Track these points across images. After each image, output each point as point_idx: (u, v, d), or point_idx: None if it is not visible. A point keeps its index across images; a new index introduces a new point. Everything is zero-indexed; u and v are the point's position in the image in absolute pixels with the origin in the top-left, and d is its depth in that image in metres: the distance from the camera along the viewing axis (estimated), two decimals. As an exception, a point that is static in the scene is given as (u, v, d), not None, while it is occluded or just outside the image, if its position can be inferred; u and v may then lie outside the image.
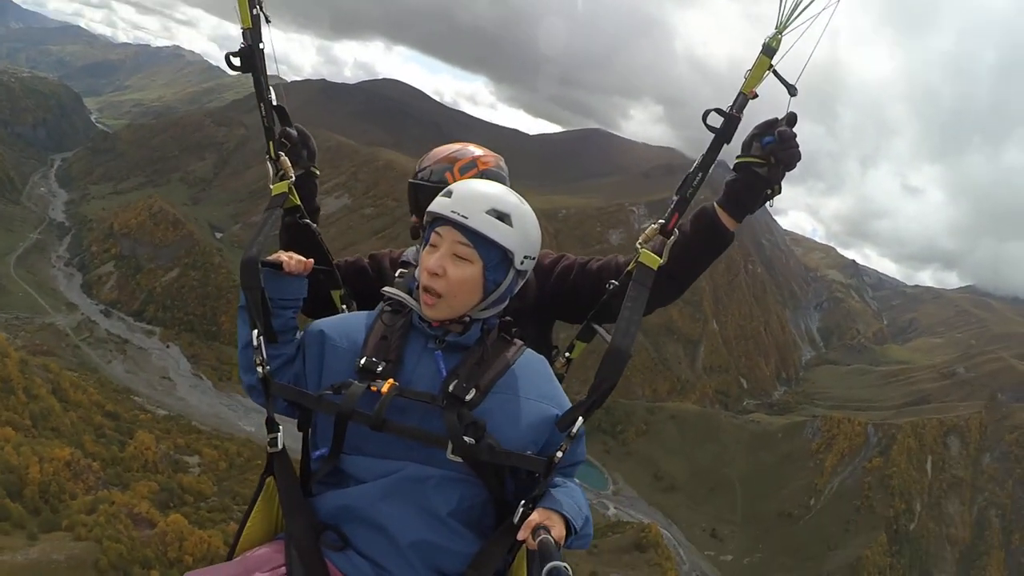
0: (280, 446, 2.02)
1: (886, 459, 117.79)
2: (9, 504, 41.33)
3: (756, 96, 2.07)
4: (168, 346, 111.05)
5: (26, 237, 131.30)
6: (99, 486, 49.80)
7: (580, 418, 1.89)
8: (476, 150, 2.57)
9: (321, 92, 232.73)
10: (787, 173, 2.07)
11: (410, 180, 2.58)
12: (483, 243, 1.88)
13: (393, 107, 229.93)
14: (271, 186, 2.32)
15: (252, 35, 2.26)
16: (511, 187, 2.11)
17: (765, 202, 2.10)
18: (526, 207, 2.00)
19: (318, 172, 2.58)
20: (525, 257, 1.97)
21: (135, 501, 48.38)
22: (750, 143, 2.07)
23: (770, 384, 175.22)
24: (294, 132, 2.40)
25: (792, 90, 2.02)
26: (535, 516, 1.75)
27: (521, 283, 2.05)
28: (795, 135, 2.00)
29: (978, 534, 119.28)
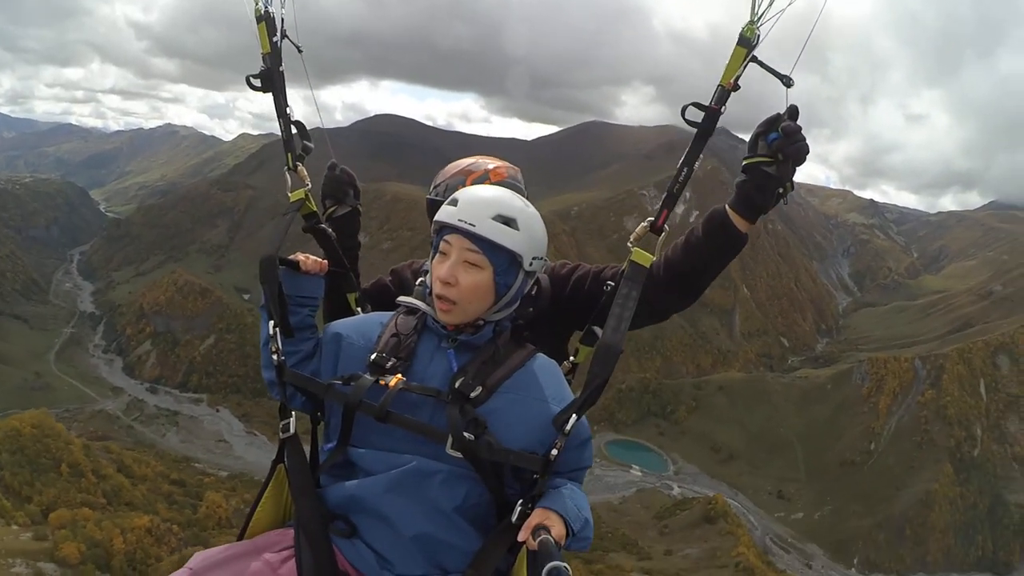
0: (292, 431, 2.10)
1: (938, 390, 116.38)
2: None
3: (738, 88, 2.04)
4: (218, 410, 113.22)
5: (60, 333, 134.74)
6: (181, 546, 51.90)
7: (575, 415, 1.89)
8: (489, 162, 2.65)
9: (317, 140, 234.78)
10: (797, 167, 2.01)
11: (427, 196, 2.68)
12: (491, 248, 1.92)
13: (390, 140, 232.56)
14: (289, 194, 2.49)
15: (271, 59, 2.46)
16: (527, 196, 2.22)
17: (778, 201, 2.05)
18: (531, 209, 2.04)
19: (362, 209, 2.78)
20: (534, 259, 2.01)
21: (219, 554, 51.69)
22: (755, 142, 2.02)
23: (811, 338, 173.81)
24: (311, 145, 2.60)
25: (786, 80, 1.97)
26: (535, 516, 1.77)
27: (531, 283, 2.12)
28: (799, 128, 1.95)
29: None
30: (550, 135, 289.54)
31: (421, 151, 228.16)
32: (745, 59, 1.99)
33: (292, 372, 2.08)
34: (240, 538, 2.02)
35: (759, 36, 1.99)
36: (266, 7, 2.41)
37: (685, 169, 2.11)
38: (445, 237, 1.97)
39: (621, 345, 1.96)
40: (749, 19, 1.99)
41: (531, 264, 2.01)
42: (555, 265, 2.54)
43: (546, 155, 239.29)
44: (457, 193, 2.01)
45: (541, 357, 2.10)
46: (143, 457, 78.27)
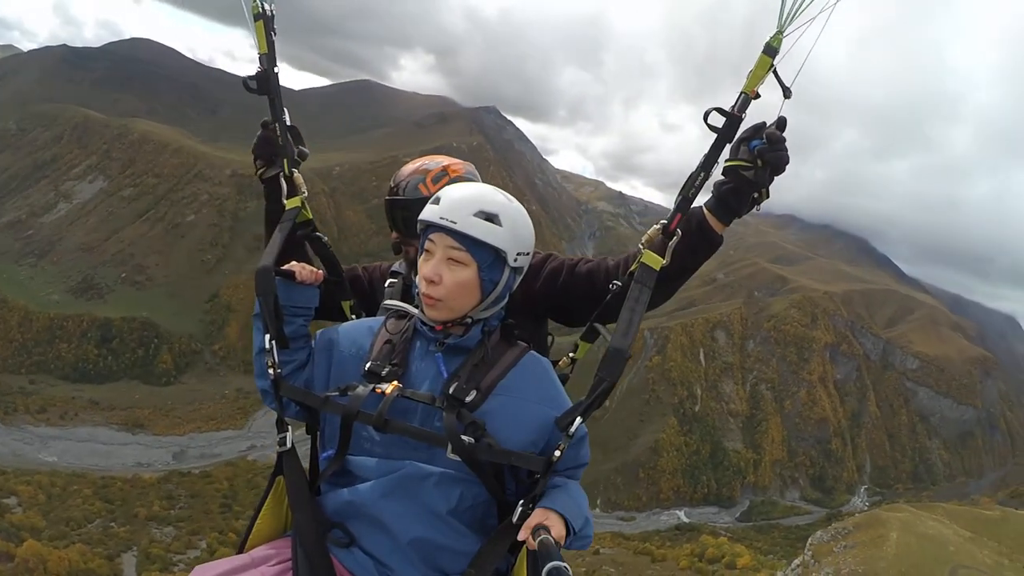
0: (289, 445, 2.09)
1: (663, 356, 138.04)
2: None
3: (759, 96, 2.04)
4: None
5: None
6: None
7: (579, 418, 1.90)
8: (444, 160, 2.63)
9: (63, 60, 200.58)
10: (776, 176, 2.01)
11: (386, 198, 2.62)
12: (475, 245, 1.92)
13: (144, 70, 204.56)
14: (284, 201, 2.46)
15: (268, 60, 2.38)
16: None
17: (753, 206, 2.04)
18: (515, 205, 2.03)
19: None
20: (518, 254, 2.01)
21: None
22: (738, 147, 2.01)
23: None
24: (307, 150, 2.57)
25: (787, 92, 1.97)
26: (535, 516, 1.79)
27: (518, 279, 2.11)
28: (784, 139, 1.94)
29: (755, 405, 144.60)
30: (320, 87, 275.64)
31: (177, 86, 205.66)
32: (770, 68, 1.99)
33: (289, 387, 2.09)
34: (241, 549, 2.05)
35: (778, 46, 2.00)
36: (262, 4, 2.37)
37: (702, 173, 2.09)
38: (430, 236, 1.98)
39: (630, 350, 1.97)
40: (776, 29, 1.99)
41: (516, 260, 2.01)
42: (540, 258, 2.54)
43: (313, 109, 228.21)
44: (440, 191, 2.02)
45: (532, 355, 2.10)
46: None
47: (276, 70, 2.41)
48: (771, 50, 1.98)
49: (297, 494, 2.01)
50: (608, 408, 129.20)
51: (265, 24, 2.36)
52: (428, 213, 1.97)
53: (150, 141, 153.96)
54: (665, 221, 2.17)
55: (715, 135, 2.07)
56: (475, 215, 1.92)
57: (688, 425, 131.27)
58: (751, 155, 1.98)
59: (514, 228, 1.98)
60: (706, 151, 2.10)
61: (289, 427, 2.14)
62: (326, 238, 2.59)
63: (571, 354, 2.57)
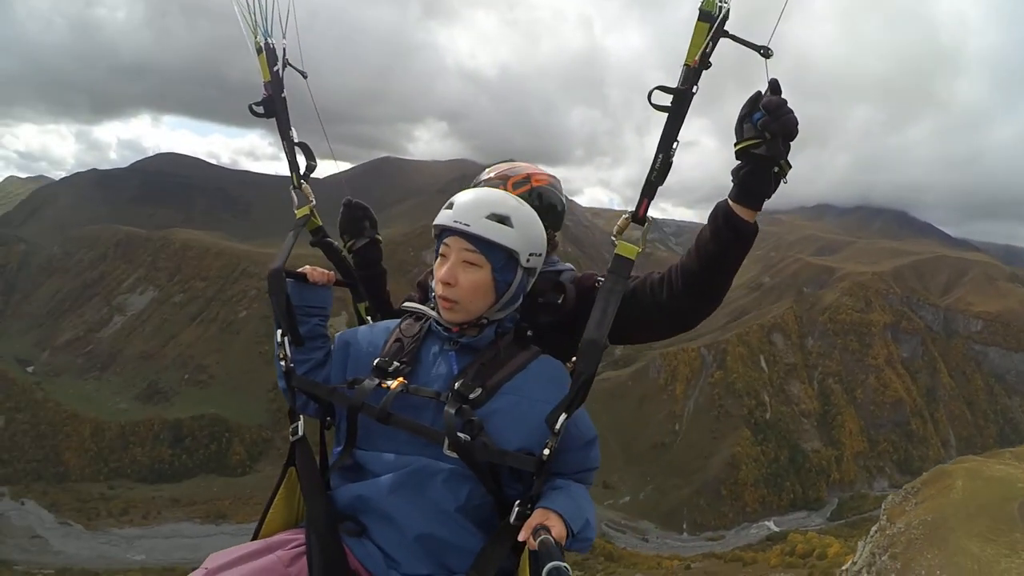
0: (301, 433, 2.16)
1: (725, 370, 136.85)
2: None
3: (709, 65, 1.92)
4: (23, 503, 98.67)
5: None
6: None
7: (564, 414, 1.88)
8: (529, 167, 2.58)
9: (95, 184, 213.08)
10: (790, 143, 1.81)
11: None
12: (488, 247, 1.98)
13: (174, 182, 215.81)
14: (295, 211, 2.59)
15: (273, 87, 2.53)
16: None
17: (777, 182, 1.87)
18: (526, 208, 2.08)
19: (380, 238, 2.82)
20: (531, 255, 2.05)
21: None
22: (741, 127, 1.85)
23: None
24: (316, 163, 2.66)
25: (765, 51, 1.81)
26: (535, 516, 1.79)
27: (532, 280, 2.14)
28: (784, 101, 1.77)
29: (825, 401, 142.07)
30: (342, 172, 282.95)
31: (207, 193, 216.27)
32: (709, 34, 1.88)
33: (299, 377, 2.17)
34: (254, 539, 2.06)
35: (724, 8, 1.88)
36: (266, 39, 2.53)
37: (660, 155, 2.01)
38: (444, 240, 2.03)
39: (605, 340, 1.97)
40: None
41: (528, 260, 2.05)
42: (582, 275, 2.44)
43: (341, 193, 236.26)
44: (453, 197, 2.07)
45: (545, 358, 2.11)
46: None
47: (283, 95, 2.60)
48: (706, 16, 1.89)
49: (310, 481, 2.05)
50: (678, 432, 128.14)
51: (267, 55, 2.55)
52: (442, 218, 2.02)
53: (192, 248, 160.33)
54: (632, 210, 2.14)
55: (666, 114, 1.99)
56: (488, 218, 1.98)
57: (762, 434, 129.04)
58: (756, 131, 1.81)
59: (525, 230, 2.04)
60: (661, 133, 2.01)
61: (301, 417, 2.23)
62: (338, 243, 2.74)
63: (575, 359, 2.52)
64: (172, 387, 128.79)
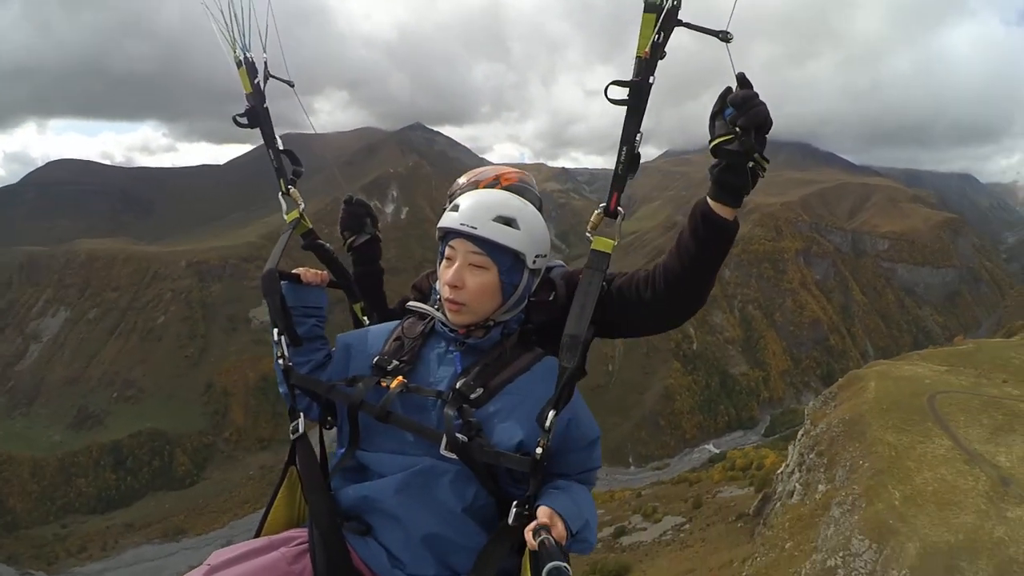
0: (301, 431, 2.15)
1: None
2: None
3: (663, 56, 1.87)
4: None
5: None
6: None
7: (552, 410, 1.85)
8: (500, 168, 2.65)
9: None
10: (764, 135, 1.77)
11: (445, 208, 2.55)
12: (494, 249, 1.98)
13: (69, 191, 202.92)
14: (285, 216, 2.60)
15: (255, 98, 2.55)
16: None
17: (755, 176, 1.83)
18: (530, 209, 2.10)
19: (380, 235, 2.88)
20: (536, 256, 2.06)
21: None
22: (713, 124, 1.82)
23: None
24: (302, 169, 2.67)
25: (724, 35, 1.74)
26: (537, 516, 1.76)
27: (536, 281, 2.15)
28: (753, 95, 1.72)
29: (747, 327, 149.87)
30: (244, 155, 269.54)
31: (106, 196, 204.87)
32: (657, 24, 1.83)
33: (298, 375, 2.16)
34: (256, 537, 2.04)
35: None
36: (244, 53, 2.54)
37: (625, 148, 1.95)
38: (450, 243, 2.03)
39: (583, 334, 1.93)
40: None
41: (534, 262, 2.05)
42: (571, 272, 2.40)
43: (243, 176, 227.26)
44: (458, 199, 2.09)
45: (549, 360, 2.07)
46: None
47: (265, 105, 2.61)
48: (652, 6, 1.85)
49: (311, 478, 2.04)
50: (612, 372, 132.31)
51: (248, 69, 2.56)
52: (448, 220, 2.02)
53: (98, 258, 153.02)
54: (604, 204, 2.08)
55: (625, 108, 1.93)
56: (494, 220, 1.98)
57: (691, 364, 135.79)
58: (728, 127, 1.78)
59: (531, 231, 2.04)
60: (622, 127, 1.95)
61: (301, 415, 2.21)
62: (329, 245, 2.73)
63: None
64: (103, 408, 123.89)
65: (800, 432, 30.10)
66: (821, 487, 23.33)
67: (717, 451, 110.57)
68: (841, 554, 17.95)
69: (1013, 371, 28.28)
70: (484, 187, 2.49)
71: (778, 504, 28.55)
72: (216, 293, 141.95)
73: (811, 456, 25.60)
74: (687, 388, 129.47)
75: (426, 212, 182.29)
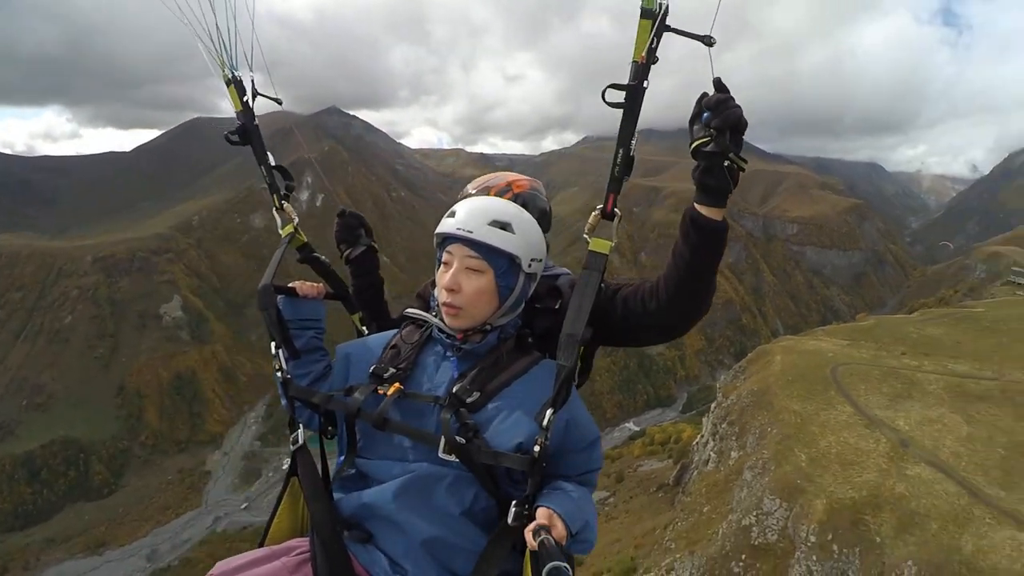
0: (301, 441, 2.17)
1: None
2: None
3: (656, 60, 1.95)
4: None
5: None
6: None
7: (550, 409, 1.88)
8: (510, 176, 2.63)
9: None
10: (740, 136, 1.82)
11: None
12: (490, 253, 2.01)
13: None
14: (280, 231, 2.61)
15: (245, 116, 2.59)
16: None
17: (734, 176, 1.86)
18: (526, 215, 2.13)
19: (376, 246, 2.88)
20: (532, 260, 2.09)
21: None
22: (691, 128, 1.87)
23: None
24: (294, 184, 2.70)
25: (707, 40, 1.82)
26: (537, 516, 1.78)
27: (533, 286, 2.17)
28: (728, 98, 1.79)
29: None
30: (152, 141, 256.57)
31: (6, 188, 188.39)
32: (652, 30, 1.91)
33: (296, 387, 2.19)
34: (259, 547, 2.07)
35: (663, 5, 1.91)
36: (233, 72, 2.58)
37: (621, 150, 2.02)
38: (447, 248, 2.06)
39: (581, 334, 1.97)
40: None
41: (530, 266, 2.08)
42: (575, 278, 2.35)
43: (152, 163, 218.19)
44: (455, 206, 2.11)
45: (547, 362, 2.11)
46: None
47: (255, 123, 2.64)
48: (648, 13, 1.91)
49: (312, 487, 2.07)
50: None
51: (236, 86, 2.59)
52: (445, 226, 2.05)
53: (0, 255, 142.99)
54: (601, 205, 2.11)
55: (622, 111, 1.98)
56: (490, 224, 2.02)
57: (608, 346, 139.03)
58: (705, 129, 1.83)
59: (526, 235, 2.07)
60: (619, 130, 2.01)
61: (300, 425, 2.24)
62: (325, 257, 2.74)
63: None
64: (12, 417, 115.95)
65: (713, 404, 31.96)
66: (734, 454, 25.06)
67: (637, 428, 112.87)
68: (755, 513, 19.50)
69: (911, 344, 30.86)
70: (495, 194, 2.49)
71: (695, 473, 30.38)
72: (125, 289, 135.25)
73: (723, 426, 27.38)
74: (606, 369, 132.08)
75: (342, 198, 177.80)
